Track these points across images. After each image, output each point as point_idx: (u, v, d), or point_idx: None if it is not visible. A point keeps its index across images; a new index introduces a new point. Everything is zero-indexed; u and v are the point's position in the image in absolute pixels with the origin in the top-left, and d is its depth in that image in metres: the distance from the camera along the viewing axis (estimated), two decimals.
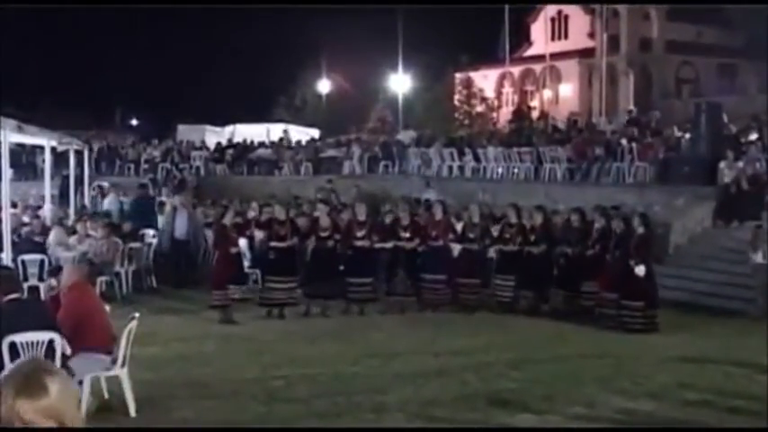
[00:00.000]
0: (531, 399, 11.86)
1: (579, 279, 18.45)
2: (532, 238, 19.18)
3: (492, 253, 19.63)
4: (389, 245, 19.22)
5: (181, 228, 22.48)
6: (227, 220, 18.68)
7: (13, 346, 9.68)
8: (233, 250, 18.17)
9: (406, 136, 41.40)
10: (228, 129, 48.29)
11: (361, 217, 19.38)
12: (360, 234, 18.99)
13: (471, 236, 19.35)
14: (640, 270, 16.91)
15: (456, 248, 19.27)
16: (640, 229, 17.44)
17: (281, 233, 18.36)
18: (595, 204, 20.24)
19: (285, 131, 45.93)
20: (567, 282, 18.79)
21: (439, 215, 19.74)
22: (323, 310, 18.50)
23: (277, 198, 23.78)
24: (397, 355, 14.54)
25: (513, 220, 19.71)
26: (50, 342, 9.82)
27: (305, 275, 18.71)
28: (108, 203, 27.85)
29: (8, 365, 9.58)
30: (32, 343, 9.74)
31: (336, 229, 18.99)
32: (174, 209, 22.94)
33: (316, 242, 18.69)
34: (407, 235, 19.19)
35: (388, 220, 19.86)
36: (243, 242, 19.75)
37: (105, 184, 33.28)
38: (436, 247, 19.24)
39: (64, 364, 9.91)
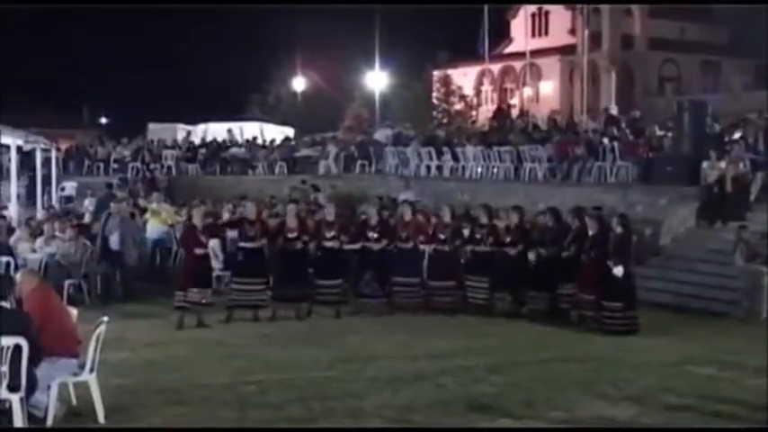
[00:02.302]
0: (510, 403, 11.74)
1: (555, 281, 18.21)
2: (507, 238, 18.93)
3: (463, 254, 19.38)
4: (357, 246, 18.93)
5: (114, 237, 20.54)
6: (197, 220, 18.18)
7: None
8: (198, 251, 17.54)
9: (382, 134, 41.16)
10: (201, 127, 47.95)
11: (330, 217, 19.02)
12: (329, 235, 18.64)
13: (442, 237, 19.08)
14: (618, 271, 16.79)
15: (427, 250, 19.12)
16: (618, 230, 17.28)
17: (250, 233, 18.01)
18: (574, 206, 19.97)
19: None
20: (543, 283, 18.50)
21: (408, 216, 19.47)
22: (296, 314, 18.18)
23: (249, 198, 23.31)
24: (373, 359, 14.34)
25: (485, 220, 19.46)
26: (17, 347, 9.57)
27: (273, 278, 18.35)
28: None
29: None
30: None
31: (304, 230, 18.58)
32: (109, 215, 21.08)
33: (283, 243, 18.31)
34: (375, 235, 18.89)
35: (359, 220, 19.64)
36: (215, 243, 19.32)
37: (71, 184, 32.92)
38: (406, 248, 19.00)
39: (30, 370, 9.68)
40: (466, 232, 19.36)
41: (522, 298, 18.72)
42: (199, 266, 17.59)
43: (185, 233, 18.73)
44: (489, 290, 18.86)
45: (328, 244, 18.60)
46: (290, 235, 18.31)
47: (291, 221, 18.58)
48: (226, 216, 20.15)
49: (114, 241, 20.38)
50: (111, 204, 21.75)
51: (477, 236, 19.16)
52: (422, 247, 19.11)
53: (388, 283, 18.92)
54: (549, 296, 18.32)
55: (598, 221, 17.83)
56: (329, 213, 19.15)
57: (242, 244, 18.13)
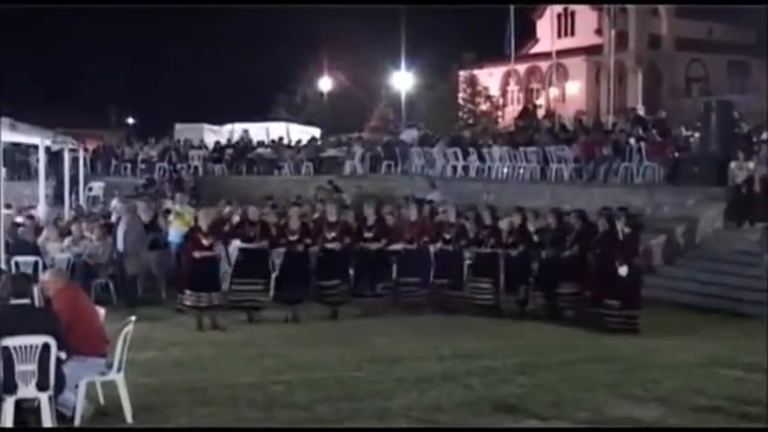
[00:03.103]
0: (537, 404, 11.68)
1: (557, 281, 18.20)
2: (510, 240, 18.90)
3: (468, 255, 19.36)
4: (357, 246, 18.85)
5: (120, 240, 19.85)
6: (202, 222, 17.71)
7: (6, 349, 9.50)
8: (197, 254, 17.22)
9: (408, 135, 41.14)
10: (227, 127, 48.07)
11: (332, 218, 18.88)
12: (330, 236, 18.51)
13: (447, 237, 19.00)
14: (623, 270, 16.88)
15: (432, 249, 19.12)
16: (626, 230, 17.37)
17: (251, 234, 17.90)
18: (576, 209, 19.95)
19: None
20: (545, 283, 18.47)
21: (414, 216, 19.39)
22: (293, 316, 17.98)
23: (274, 199, 23.31)
24: (400, 360, 14.31)
25: (488, 221, 19.41)
26: (45, 346, 9.60)
27: (275, 279, 18.22)
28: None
29: (1, 369, 9.42)
30: (26, 347, 9.55)
31: (307, 232, 18.43)
32: (119, 217, 20.74)
33: (285, 245, 18.20)
34: (371, 235, 18.80)
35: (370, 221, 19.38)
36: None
37: (98, 184, 33.08)
38: (410, 249, 18.94)
39: (58, 369, 9.73)
40: (471, 233, 19.29)
41: (523, 298, 18.66)
42: (199, 269, 17.24)
43: (187, 235, 18.39)
44: (494, 290, 18.84)
45: (329, 245, 18.48)
46: (293, 237, 18.18)
47: (294, 223, 18.43)
48: (236, 219, 19.64)
49: (120, 244, 19.80)
50: (115, 203, 21.73)
51: (481, 237, 19.10)
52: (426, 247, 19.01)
53: (387, 283, 18.84)
54: (550, 296, 18.31)
55: (608, 221, 17.84)
56: (330, 214, 19.00)
57: (242, 245, 18.00)
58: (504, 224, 19.31)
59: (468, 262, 19.46)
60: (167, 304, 19.16)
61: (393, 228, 19.28)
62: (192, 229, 18.08)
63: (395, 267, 19.34)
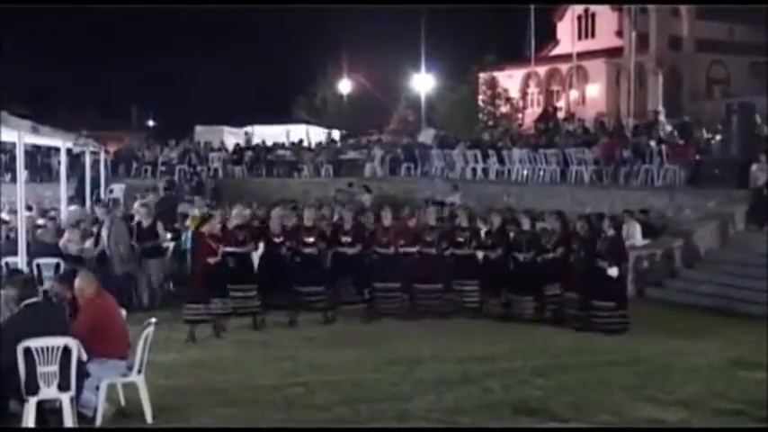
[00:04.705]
0: (556, 407, 11.69)
1: (540, 283, 18.09)
2: (489, 242, 18.83)
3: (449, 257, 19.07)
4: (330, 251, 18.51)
5: (103, 246, 19.12)
6: (208, 227, 16.86)
7: (28, 351, 9.59)
8: (211, 260, 16.40)
9: (425, 135, 41.16)
10: (246, 130, 48.13)
11: (309, 222, 18.27)
12: (308, 240, 17.96)
13: (429, 239, 18.81)
14: (613, 271, 16.97)
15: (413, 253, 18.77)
16: (610, 232, 17.52)
17: (240, 238, 17.25)
18: (555, 210, 19.91)
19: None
20: (528, 286, 18.29)
21: (388, 221, 18.84)
22: (290, 321, 17.54)
23: (297, 201, 23.29)
24: (419, 362, 14.31)
25: (465, 223, 19.28)
26: (66, 347, 9.71)
27: (259, 284, 17.44)
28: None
29: (23, 370, 9.49)
30: (48, 348, 9.65)
31: (287, 236, 17.91)
32: (103, 220, 19.99)
33: (267, 248, 17.79)
34: (349, 240, 18.47)
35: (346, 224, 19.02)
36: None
37: (119, 186, 33.19)
38: (386, 254, 18.49)
39: (79, 370, 9.78)
40: (457, 236, 19.06)
41: (508, 300, 18.52)
42: (212, 276, 16.50)
43: (194, 242, 17.62)
44: (479, 293, 18.70)
45: (307, 250, 17.90)
46: (276, 240, 17.79)
47: (276, 226, 17.96)
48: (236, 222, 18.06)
49: (102, 251, 19.19)
50: (137, 205, 21.39)
51: (460, 239, 18.94)
52: (404, 250, 18.60)
53: (366, 288, 18.47)
54: (534, 298, 18.20)
55: (587, 223, 18.00)
56: (307, 218, 18.34)
57: (230, 249, 16.94)
58: (482, 226, 19.31)
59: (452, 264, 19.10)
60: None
61: (372, 233, 18.78)
62: (197, 235, 17.22)
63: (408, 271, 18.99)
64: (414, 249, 18.61)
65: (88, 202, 26.45)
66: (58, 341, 9.67)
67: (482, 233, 19.08)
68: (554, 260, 17.98)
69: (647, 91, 56.88)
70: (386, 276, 18.32)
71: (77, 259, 18.27)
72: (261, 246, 17.86)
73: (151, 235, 19.42)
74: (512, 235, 18.79)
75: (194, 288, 16.69)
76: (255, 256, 17.84)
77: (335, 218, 20.42)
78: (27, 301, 9.98)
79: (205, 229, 16.77)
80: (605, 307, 17.02)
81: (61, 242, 18.96)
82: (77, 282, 10.99)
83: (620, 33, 60.13)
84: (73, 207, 24.49)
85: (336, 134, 49.42)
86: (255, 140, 44.42)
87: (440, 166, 36.49)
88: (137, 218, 20.02)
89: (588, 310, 17.22)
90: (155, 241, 19.46)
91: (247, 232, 17.51)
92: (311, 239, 17.93)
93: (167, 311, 16.77)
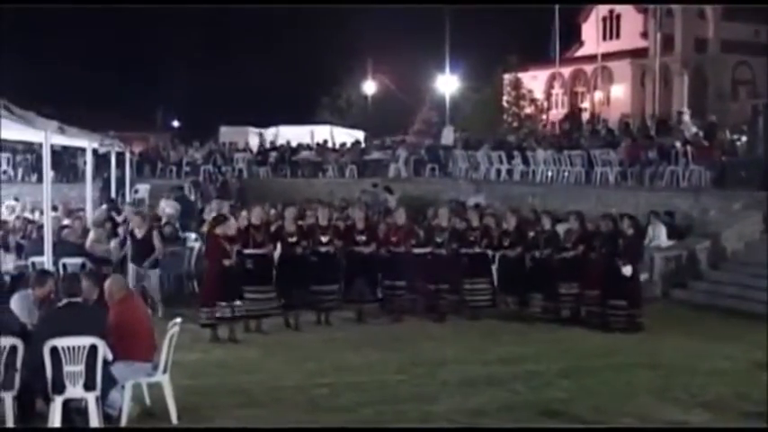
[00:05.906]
0: (581, 409, 11.68)
1: (557, 281, 18.09)
2: (506, 241, 18.77)
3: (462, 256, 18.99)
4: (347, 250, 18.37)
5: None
6: (220, 229, 16.43)
7: (54, 350, 9.65)
8: (226, 263, 16.13)
9: (447, 135, 41.14)
10: (271, 130, 48.23)
11: (324, 221, 18.18)
12: (324, 239, 17.88)
13: (439, 240, 18.77)
14: (627, 270, 17.09)
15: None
16: (630, 231, 17.58)
17: (258, 239, 17.05)
18: (575, 210, 19.86)
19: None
20: (544, 285, 18.29)
21: (401, 221, 18.88)
22: (295, 323, 17.48)
23: (319, 200, 23.25)
24: (444, 363, 14.30)
25: (475, 223, 19.25)
26: (92, 347, 9.75)
27: (277, 284, 17.35)
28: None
29: (49, 370, 9.56)
30: (74, 348, 9.70)
31: (304, 235, 17.73)
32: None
33: (283, 248, 17.61)
34: (363, 239, 18.36)
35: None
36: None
37: (144, 186, 33.31)
38: (397, 252, 18.44)
39: (105, 370, 9.84)
40: (468, 235, 18.97)
41: (524, 299, 18.50)
42: (225, 278, 16.30)
43: (207, 243, 17.27)
44: (491, 292, 18.71)
45: (323, 248, 17.83)
46: (291, 239, 17.59)
47: (290, 225, 17.78)
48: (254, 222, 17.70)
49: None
50: (163, 204, 21.26)
51: (471, 238, 18.87)
52: (415, 250, 18.59)
53: (382, 287, 18.50)
54: (547, 295, 18.23)
55: (611, 221, 18.07)
56: (322, 217, 18.24)
57: (248, 251, 16.81)
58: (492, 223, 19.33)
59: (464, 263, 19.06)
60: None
61: (385, 231, 18.75)
62: (210, 237, 16.83)
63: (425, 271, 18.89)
64: (426, 250, 18.60)
65: (115, 202, 26.44)
66: (85, 341, 9.71)
67: (498, 232, 18.99)
68: (573, 258, 17.99)
69: (672, 92, 56.74)
70: (395, 275, 18.36)
71: (103, 260, 18.40)
72: (279, 247, 17.76)
73: (146, 246, 18.54)
74: (531, 234, 18.79)
75: (206, 291, 16.61)
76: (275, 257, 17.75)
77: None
78: (65, 301, 10.11)
79: (219, 230, 16.46)
80: (618, 305, 17.20)
81: (87, 242, 19.02)
82: (107, 284, 11.01)
83: (645, 34, 60.01)
84: (104, 206, 24.59)
85: (361, 135, 49.46)
86: (280, 141, 44.56)
87: (464, 168, 36.49)
88: (130, 226, 19.35)
89: (605, 308, 17.38)
90: (149, 257, 18.43)
91: (265, 233, 17.34)
92: (326, 238, 17.89)
93: (193, 311, 16.72)
